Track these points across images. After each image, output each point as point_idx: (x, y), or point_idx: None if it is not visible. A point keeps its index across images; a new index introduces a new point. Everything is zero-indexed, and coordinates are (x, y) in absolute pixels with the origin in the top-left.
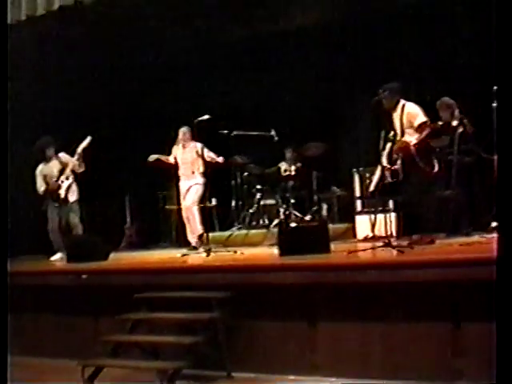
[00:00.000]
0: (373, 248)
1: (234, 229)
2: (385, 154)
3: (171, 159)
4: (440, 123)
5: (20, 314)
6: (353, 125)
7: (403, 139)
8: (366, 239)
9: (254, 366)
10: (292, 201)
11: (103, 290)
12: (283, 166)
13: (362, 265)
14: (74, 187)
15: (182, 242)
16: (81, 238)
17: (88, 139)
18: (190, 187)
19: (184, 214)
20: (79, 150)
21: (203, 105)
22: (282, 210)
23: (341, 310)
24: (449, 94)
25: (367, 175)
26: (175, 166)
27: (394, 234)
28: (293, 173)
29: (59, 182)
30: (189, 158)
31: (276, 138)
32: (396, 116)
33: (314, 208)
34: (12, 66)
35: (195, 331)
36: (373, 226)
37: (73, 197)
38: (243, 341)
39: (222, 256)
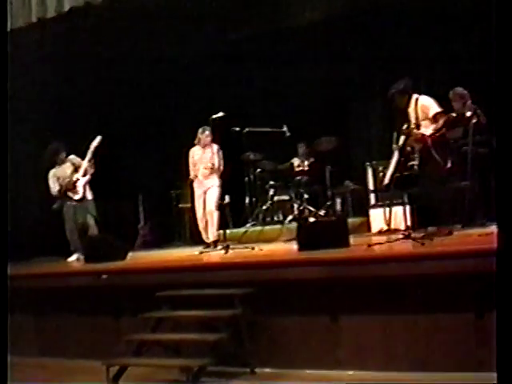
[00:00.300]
0: (392, 241)
1: (248, 225)
2: (398, 146)
3: (190, 160)
4: (453, 114)
5: (41, 315)
6: (365, 118)
7: (419, 131)
8: (380, 232)
9: (277, 362)
10: (306, 196)
11: (123, 289)
12: (296, 161)
13: (384, 257)
14: (88, 187)
15: (195, 240)
16: (98, 239)
17: (98, 138)
18: (208, 189)
19: (199, 215)
20: (91, 149)
21: (215, 102)
22: (296, 206)
23: (362, 303)
24: (461, 85)
25: (380, 168)
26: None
27: (405, 226)
28: (306, 168)
29: (74, 178)
30: (207, 159)
31: (288, 134)
32: (411, 110)
33: (328, 203)
34: (23, 66)
35: (217, 328)
36: (388, 219)
37: (89, 195)
38: (266, 337)
39: (241, 253)
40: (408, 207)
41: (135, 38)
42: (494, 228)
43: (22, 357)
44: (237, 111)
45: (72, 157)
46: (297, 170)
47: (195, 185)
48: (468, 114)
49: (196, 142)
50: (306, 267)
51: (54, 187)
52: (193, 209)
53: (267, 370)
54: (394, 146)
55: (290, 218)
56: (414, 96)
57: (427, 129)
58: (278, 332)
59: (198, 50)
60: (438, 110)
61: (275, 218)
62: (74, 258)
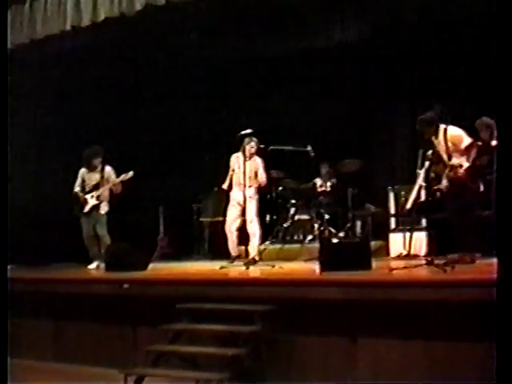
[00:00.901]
0: (415, 266)
1: (267, 243)
2: (423, 172)
3: (231, 168)
4: (480, 143)
5: (60, 321)
6: (389, 142)
7: (451, 162)
8: (399, 257)
9: (294, 381)
10: (326, 216)
11: (143, 299)
12: (318, 181)
13: (407, 282)
14: (105, 203)
15: (215, 254)
16: (121, 248)
17: (130, 173)
18: (246, 200)
19: (230, 226)
20: (121, 178)
21: (241, 119)
22: (316, 226)
23: (382, 326)
24: (486, 114)
25: (402, 193)
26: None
27: (425, 252)
28: (328, 189)
29: (85, 196)
30: (250, 170)
31: (312, 154)
32: (439, 141)
33: (348, 224)
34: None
35: (235, 344)
36: (409, 244)
37: (101, 210)
38: (284, 355)
39: (261, 270)
40: (429, 233)
41: (166, 49)
42: None
43: (38, 361)
44: (262, 129)
45: (108, 169)
46: (319, 190)
47: (231, 193)
48: (494, 143)
49: (241, 151)
50: (329, 287)
51: (76, 187)
52: (214, 222)
53: None
54: (418, 171)
55: (309, 237)
56: (442, 126)
57: (459, 159)
58: (296, 350)
59: (225, 67)
60: (469, 140)
61: (295, 237)
62: (94, 265)
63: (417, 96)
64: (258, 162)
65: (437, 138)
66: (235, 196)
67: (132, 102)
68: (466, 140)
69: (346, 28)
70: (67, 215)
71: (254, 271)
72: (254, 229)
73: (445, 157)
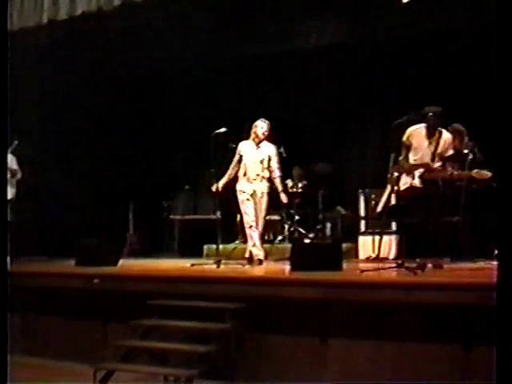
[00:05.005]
0: (386, 268)
1: (237, 242)
2: (395, 177)
3: (237, 156)
4: (451, 152)
5: (29, 315)
6: (360, 146)
7: (433, 164)
8: (368, 259)
9: (263, 379)
10: (297, 217)
11: (113, 294)
12: (290, 183)
13: (378, 283)
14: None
15: (184, 251)
16: (91, 243)
17: (15, 143)
18: (255, 193)
19: (247, 225)
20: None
21: (214, 118)
22: (286, 227)
23: (352, 327)
24: (457, 120)
25: (372, 196)
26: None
27: (393, 255)
28: (299, 190)
29: None
30: (259, 159)
31: (284, 155)
32: (430, 141)
33: (318, 226)
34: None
35: (205, 341)
36: (378, 246)
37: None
38: (253, 353)
39: (232, 268)
40: (398, 236)
41: (143, 46)
42: (482, 264)
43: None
44: (236, 128)
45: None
46: (290, 191)
47: (240, 186)
48: (465, 151)
49: (251, 137)
50: (300, 287)
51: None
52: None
53: None
54: (389, 175)
55: (279, 238)
56: (438, 128)
57: (438, 163)
58: (266, 349)
59: (199, 68)
60: (453, 151)
61: (265, 237)
62: None
63: (390, 100)
64: (271, 149)
65: (429, 138)
66: (244, 188)
67: (105, 97)
68: (451, 150)
69: (320, 32)
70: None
71: (225, 269)
72: (256, 228)
73: (429, 157)
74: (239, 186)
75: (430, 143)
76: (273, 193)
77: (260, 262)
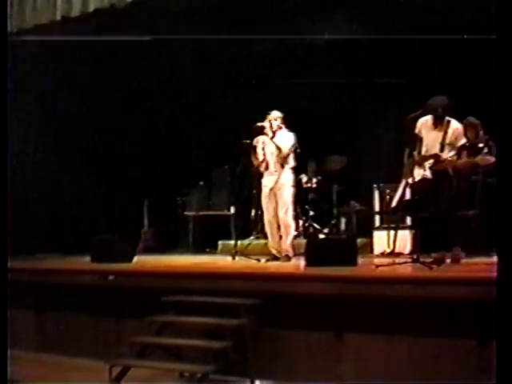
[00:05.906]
0: (401, 263)
1: (251, 238)
2: (408, 170)
3: (260, 156)
4: (467, 144)
5: (45, 311)
6: (375, 140)
7: (442, 154)
8: (383, 254)
9: (278, 375)
10: (311, 213)
11: (128, 291)
12: (304, 178)
13: (392, 279)
14: None
15: (198, 248)
16: (106, 239)
17: None
18: (276, 185)
19: (266, 221)
20: None
21: (226, 115)
22: (301, 222)
23: (368, 322)
24: (473, 114)
25: (387, 191)
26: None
27: (409, 250)
28: (313, 185)
29: None
30: (275, 150)
31: (299, 150)
32: (437, 131)
33: (333, 221)
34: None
35: (221, 337)
36: (393, 241)
37: None
38: (269, 349)
39: (248, 264)
40: (413, 231)
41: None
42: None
43: (21, 351)
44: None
45: None
46: (304, 186)
47: (263, 182)
48: (480, 145)
49: (265, 129)
50: (315, 283)
51: None
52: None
53: (267, 382)
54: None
55: (295, 233)
56: (446, 118)
57: (448, 154)
58: (281, 345)
59: (214, 63)
60: (465, 140)
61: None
62: None
63: (404, 95)
64: (289, 137)
65: (436, 127)
66: (266, 182)
67: (119, 94)
68: (463, 139)
69: (334, 26)
70: (51, 205)
71: (241, 265)
72: (286, 228)
73: (437, 147)
74: (263, 181)
75: (437, 133)
76: None
77: (288, 258)
